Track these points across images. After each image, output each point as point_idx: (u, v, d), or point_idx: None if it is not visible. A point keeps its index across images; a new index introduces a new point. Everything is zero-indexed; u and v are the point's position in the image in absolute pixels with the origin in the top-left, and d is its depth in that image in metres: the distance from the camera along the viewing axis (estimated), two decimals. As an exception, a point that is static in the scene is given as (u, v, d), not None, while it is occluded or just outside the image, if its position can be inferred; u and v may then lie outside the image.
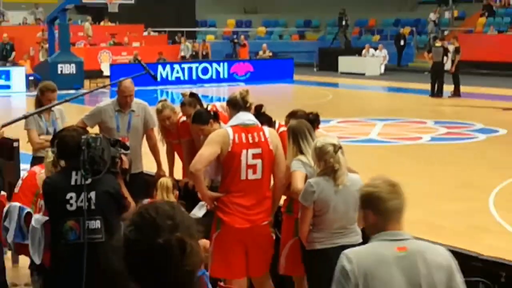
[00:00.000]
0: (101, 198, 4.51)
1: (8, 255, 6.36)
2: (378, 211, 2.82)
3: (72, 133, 4.72)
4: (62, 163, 4.76)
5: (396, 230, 2.85)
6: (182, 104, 7.13)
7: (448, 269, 2.98)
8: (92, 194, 4.45)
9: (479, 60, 25.90)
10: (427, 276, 2.90)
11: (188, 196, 6.44)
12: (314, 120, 5.77)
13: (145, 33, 30.86)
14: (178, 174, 7.43)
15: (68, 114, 7.42)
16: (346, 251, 2.99)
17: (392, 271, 2.82)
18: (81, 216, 4.44)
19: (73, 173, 4.49)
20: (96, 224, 4.48)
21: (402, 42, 30.20)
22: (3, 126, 5.54)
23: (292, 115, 5.96)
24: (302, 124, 5.38)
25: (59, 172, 4.82)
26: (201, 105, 7.13)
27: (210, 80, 25.29)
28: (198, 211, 6.17)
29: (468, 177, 11.16)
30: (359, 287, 2.75)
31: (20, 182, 6.08)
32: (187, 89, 13.27)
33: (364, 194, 2.98)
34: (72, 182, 4.47)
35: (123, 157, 4.88)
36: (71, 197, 4.45)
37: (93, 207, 4.47)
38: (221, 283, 5.20)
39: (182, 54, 27.88)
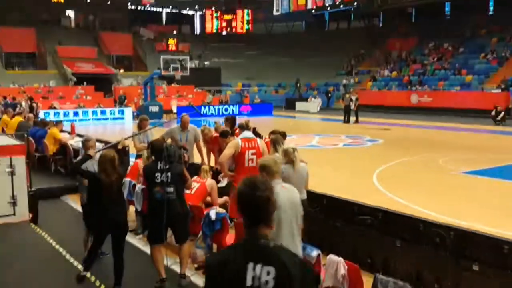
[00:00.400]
0: (174, 176, 6.19)
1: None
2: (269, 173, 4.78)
3: (158, 142, 6.74)
4: (153, 157, 6.51)
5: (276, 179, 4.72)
6: (215, 129, 10.19)
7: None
8: (169, 174, 6.18)
9: (369, 104, 34.16)
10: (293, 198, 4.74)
11: (216, 175, 8.87)
12: (283, 135, 7.66)
13: (195, 90, 39.71)
14: (212, 163, 9.86)
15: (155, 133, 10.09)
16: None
17: (280, 194, 4.39)
18: (163, 185, 6.17)
19: (159, 162, 6.23)
20: (171, 189, 6.16)
21: (329, 95, 41.44)
22: (125, 139, 8.32)
23: (272, 132, 7.80)
24: (278, 137, 7.21)
25: (152, 162, 6.47)
26: (234, 123, 9.88)
27: (229, 115, 32.09)
28: (222, 182, 8.64)
29: (363, 164, 14.42)
30: None
31: (129, 168, 8.30)
32: (217, 118, 18.46)
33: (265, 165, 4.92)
34: (159, 167, 6.21)
35: (185, 155, 7.62)
36: (158, 175, 6.17)
37: (169, 180, 6.17)
38: (235, 220, 6.74)
39: (207, 100, 37.74)
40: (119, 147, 7.04)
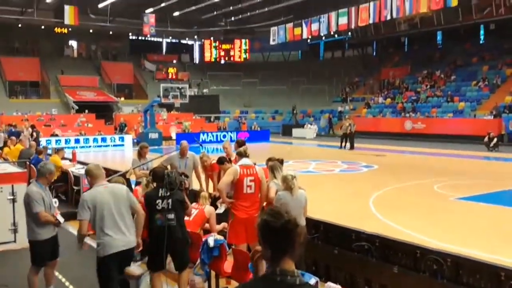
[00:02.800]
0: (174, 203, 6.19)
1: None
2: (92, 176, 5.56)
3: (159, 169, 6.68)
4: (154, 184, 6.53)
5: None
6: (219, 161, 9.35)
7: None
8: (170, 201, 6.17)
9: (364, 130, 33.73)
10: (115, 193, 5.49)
11: (214, 201, 8.78)
12: (281, 162, 7.58)
13: (194, 117, 39.37)
14: (210, 189, 9.93)
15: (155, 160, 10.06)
16: None
17: (103, 192, 5.52)
18: (164, 212, 6.15)
19: (160, 189, 6.24)
20: (171, 216, 6.15)
21: (331, 121, 41.43)
22: (134, 168, 8.42)
23: (269, 159, 7.77)
24: (276, 163, 7.33)
25: (153, 189, 6.47)
26: (243, 144, 9.41)
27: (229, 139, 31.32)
28: (220, 209, 8.48)
29: (359, 189, 14.21)
30: None
31: None
32: (216, 144, 18.44)
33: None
34: (159, 194, 6.20)
35: (186, 182, 7.60)
36: (159, 202, 6.17)
37: (170, 207, 6.17)
38: (233, 247, 6.89)
39: (183, 128, 36.51)
40: (128, 176, 7.06)
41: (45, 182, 6.61)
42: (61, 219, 6.62)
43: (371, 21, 31.71)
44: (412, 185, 14.88)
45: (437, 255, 5.85)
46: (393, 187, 14.27)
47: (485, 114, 32.68)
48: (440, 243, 7.59)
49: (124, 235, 5.64)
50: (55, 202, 6.95)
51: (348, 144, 27.61)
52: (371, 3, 30.94)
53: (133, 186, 9.58)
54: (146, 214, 6.33)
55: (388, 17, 30.66)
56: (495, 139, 25.83)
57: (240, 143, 9.41)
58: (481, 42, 45.29)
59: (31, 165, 11.74)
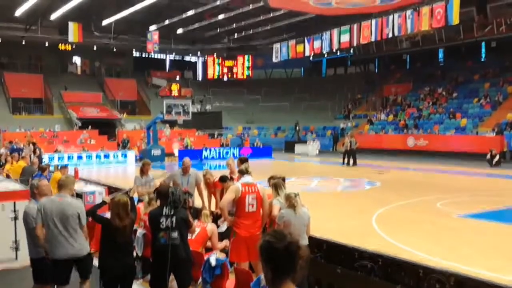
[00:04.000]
0: (178, 221, 6.18)
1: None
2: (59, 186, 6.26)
3: (164, 187, 6.72)
4: (158, 202, 6.58)
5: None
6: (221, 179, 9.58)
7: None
8: (174, 219, 6.16)
9: (366, 147, 33.51)
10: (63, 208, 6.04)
11: (217, 219, 8.88)
12: (283, 179, 7.72)
13: (196, 133, 39.93)
14: (213, 207, 9.89)
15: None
16: None
17: (51, 203, 6.05)
18: (168, 230, 6.16)
19: (164, 207, 6.23)
20: (175, 234, 6.14)
21: (337, 138, 40.99)
22: (137, 186, 8.39)
23: (271, 177, 7.86)
24: (279, 181, 7.43)
25: (158, 207, 6.48)
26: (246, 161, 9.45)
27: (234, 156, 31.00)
28: (222, 227, 8.54)
29: (361, 207, 13.92)
30: None
31: None
32: (219, 161, 18.22)
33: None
34: (164, 213, 6.19)
35: (189, 200, 7.61)
36: (163, 220, 6.16)
37: (174, 225, 6.16)
38: (235, 265, 6.92)
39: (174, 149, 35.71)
40: (131, 194, 7.09)
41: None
42: None
43: (373, 39, 31.78)
44: (415, 202, 14.77)
45: (440, 274, 5.77)
46: (396, 205, 14.16)
47: (487, 131, 32.63)
48: (444, 261, 7.50)
49: (67, 245, 6.20)
50: None
51: (351, 160, 27.36)
52: (373, 21, 31.03)
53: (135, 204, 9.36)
54: (150, 232, 6.39)
55: (390, 35, 30.73)
56: (498, 156, 25.75)
57: (242, 160, 9.41)
58: (482, 59, 45.45)
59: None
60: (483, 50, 45.22)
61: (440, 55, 48.58)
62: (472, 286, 5.46)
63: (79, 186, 13.32)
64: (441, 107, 39.51)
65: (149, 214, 6.64)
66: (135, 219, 6.56)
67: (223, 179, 9.10)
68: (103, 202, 6.87)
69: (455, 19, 26.97)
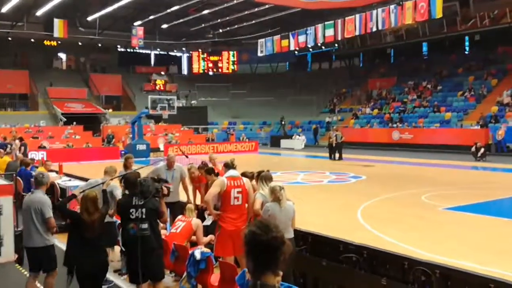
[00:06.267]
0: (148, 212, 6.06)
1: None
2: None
3: (132, 176, 6.61)
4: (127, 192, 6.44)
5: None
6: (199, 167, 10.08)
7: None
8: (143, 210, 6.04)
9: (352, 141, 33.59)
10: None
11: (202, 213, 8.83)
12: (258, 174, 7.74)
13: (182, 129, 39.54)
14: (198, 201, 9.87)
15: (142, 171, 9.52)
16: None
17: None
18: (137, 221, 6.05)
19: (134, 198, 6.11)
20: (145, 225, 6.04)
21: (317, 132, 41.39)
22: (111, 179, 8.31)
23: (258, 173, 7.75)
24: (268, 174, 7.36)
25: (127, 197, 6.35)
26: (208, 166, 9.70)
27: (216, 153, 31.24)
28: (208, 221, 8.31)
29: (347, 200, 14.02)
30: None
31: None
32: (204, 157, 17.96)
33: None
34: (133, 203, 6.08)
35: (164, 188, 7.30)
36: (133, 211, 6.06)
37: (144, 216, 6.04)
38: (220, 259, 6.84)
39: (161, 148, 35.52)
40: (104, 187, 6.95)
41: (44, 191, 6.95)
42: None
43: (357, 33, 31.86)
44: (400, 195, 14.79)
45: (425, 266, 5.76)
46: (381, 198, 14.16)
47: (471, 124, 32.84)
48: (429, 253, 7.49)
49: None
50: None
51: (337, 155, 27.32)
52: (357, 16, 31.08)
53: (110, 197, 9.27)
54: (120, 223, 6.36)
55: (374, 29, 30.80)
56: (482, 149, 25.88)
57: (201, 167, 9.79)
58: (466, 53, 45.66)
59: (18, 178, 11.55)
60: (467, 43, 45.52)
61: (424, 48, 48.83)
62: (458, 278, 5.43)
63: (63, 181, 13.18)
64: (425, 101, 39.71)
65: (118, 203, 6.52)
66: (106, 213, 6.42)
67: (208, 171, 9.06)
68: (73, 196, 6.78)
69: (438, 13, 27.09)
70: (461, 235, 9.89)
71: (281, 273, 2.55)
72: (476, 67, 40.86)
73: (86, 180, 13.25)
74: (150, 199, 6.11)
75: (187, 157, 15.36)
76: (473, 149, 26.11)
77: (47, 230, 6.62)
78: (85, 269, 5.94)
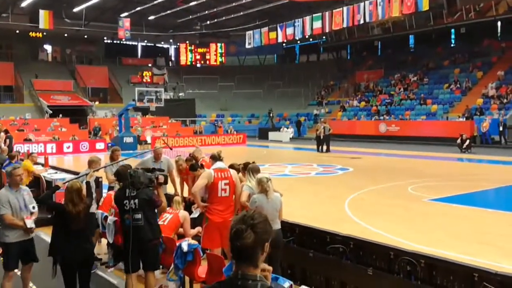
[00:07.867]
0: (141, 202, 6.11)
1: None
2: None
3: (123, 169, 6.58)
4: (121, 184, 6.52)
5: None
6: (187, 160, 10.18)
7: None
8: (136, 200, 6.10)
9: (339, 133, 33.67)
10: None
11: (189, 205, 8.79)
12: (244, 166, 7.81)
13: (170, 121, 39.45)
14: (185, 193, 9.77)
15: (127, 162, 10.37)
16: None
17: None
18: (131, 212, 6.10)
19: (127, 189, 6.15)
20: (138, 216, 6.10)
21: (300, 125, 41.57)
22: (94, 171, 8.24)
23: (244, 165, 7.90)
24: (255, 166, 7.31)
25: (120, 189, 6.42)
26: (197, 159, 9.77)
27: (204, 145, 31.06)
28: (195, 213, 8.36)
29: (334, 192, 14.19)
30: None
31: (102, 199, 8.56)
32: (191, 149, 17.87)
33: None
34: (126, 194, 6.12)
35: (160, 176, 7.35)
36: (126, 202, 6.11)
37: (137, 207, 6.10)
38: (207, 251, 6.77)
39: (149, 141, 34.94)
40: (88, 179, 6.89)
41: (14, 184, 6.65)
42: (30, 224, 6.56)
43: (344, 25, 31.95)
44: (387, 187, 14.91)
45: (411, 256, 5.79)
46: (368, 190, 14.25)
47: (457, 116, 33.05)
48: (414, 244, 7.57)
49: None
50: (33, 207, 6.82)
51: (324, 147, 27.42)
52: (345, 8, 31.15)
53: (105, 191, 9.36)
54: (118, 215, 6.36)
55: (361, 21, 30.90)
56: (468, 141, 26.08)
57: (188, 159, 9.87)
58: (452, 45, 45.91)
59: (2, 170, 11.45)
60: (453, 36, 45.75)
61: (411, 41, 49.05)
62: (443, 268, 5.47)
63: (49, 174, 13.10)
64: (412, 93, 39.91)
65: (114, 196, 6.66)
66: (90, 204, 6.40)
67: (193, 167, 9.06)
68: (56, 187, 6.71)
69: (424, 5, 27.23)
70: (447, 225, 9.99)
71: (264, 266, 2.57)
72: (461, 60, 41.16)
73: (72, 172, 13.21)
74: (142, 190, 6.16)
75: (171, 149, 15.37)
76: (458, 141, 26.32)
77: (3, 227, 6.57)
78: (74, 259, 5.92)
